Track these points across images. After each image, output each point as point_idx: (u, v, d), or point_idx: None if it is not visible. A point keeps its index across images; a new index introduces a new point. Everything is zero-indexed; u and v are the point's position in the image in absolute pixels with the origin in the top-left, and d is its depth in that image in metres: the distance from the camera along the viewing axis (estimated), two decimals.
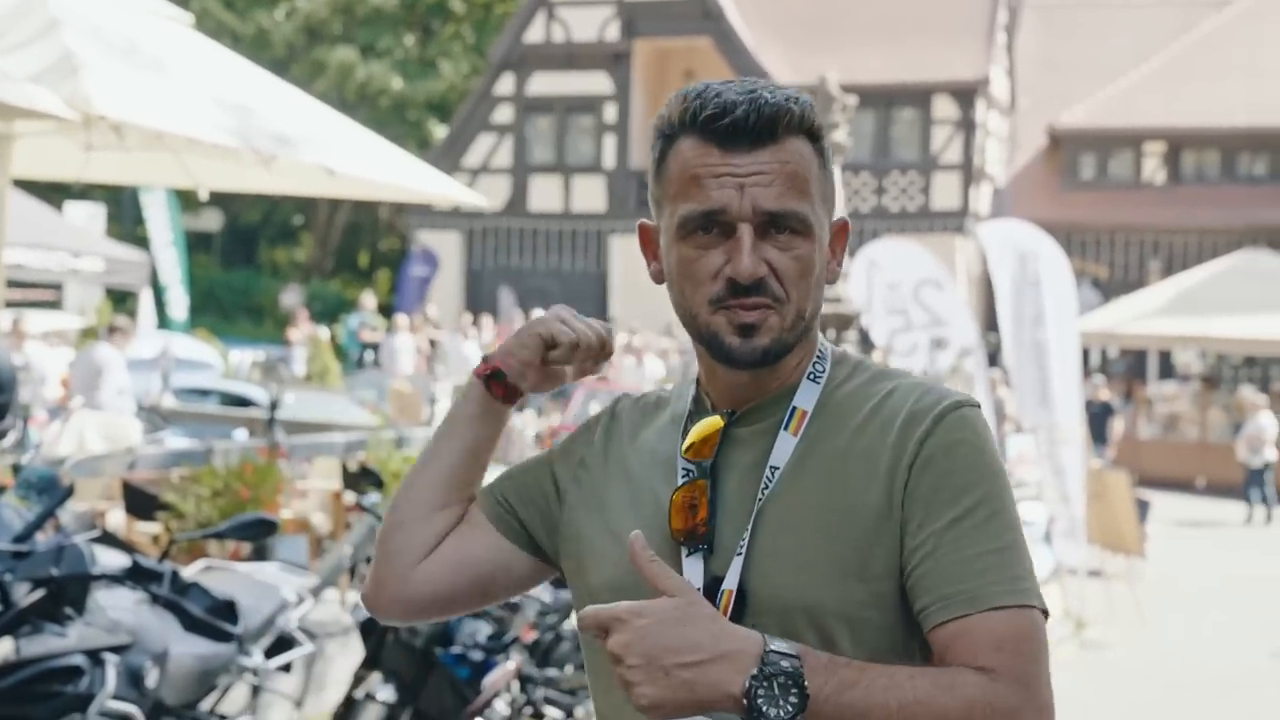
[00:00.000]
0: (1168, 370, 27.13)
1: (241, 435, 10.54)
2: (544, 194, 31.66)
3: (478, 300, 30.48)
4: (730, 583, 1.79)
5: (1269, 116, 29.63)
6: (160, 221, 23.15)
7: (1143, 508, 13.62)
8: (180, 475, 8.24)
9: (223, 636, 4.90)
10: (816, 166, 1.85)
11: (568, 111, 31.53)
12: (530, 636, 6.63)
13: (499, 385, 2.01)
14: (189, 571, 5.34)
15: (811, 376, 1.89)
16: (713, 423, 1.87)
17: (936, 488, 1.77)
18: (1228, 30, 31.61)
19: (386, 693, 5.94)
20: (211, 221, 39.66)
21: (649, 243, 1.97)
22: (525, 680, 6.57)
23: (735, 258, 1.80)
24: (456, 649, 6.06)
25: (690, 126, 1.83)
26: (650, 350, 21.08)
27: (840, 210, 1.94)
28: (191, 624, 4.80)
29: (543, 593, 6.57)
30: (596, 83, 31.27)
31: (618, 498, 1.94)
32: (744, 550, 1.79)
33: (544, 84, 31.52)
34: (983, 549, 1.74)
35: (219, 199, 34.83)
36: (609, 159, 31.25)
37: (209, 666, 4.85)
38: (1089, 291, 26.79)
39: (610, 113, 31.22)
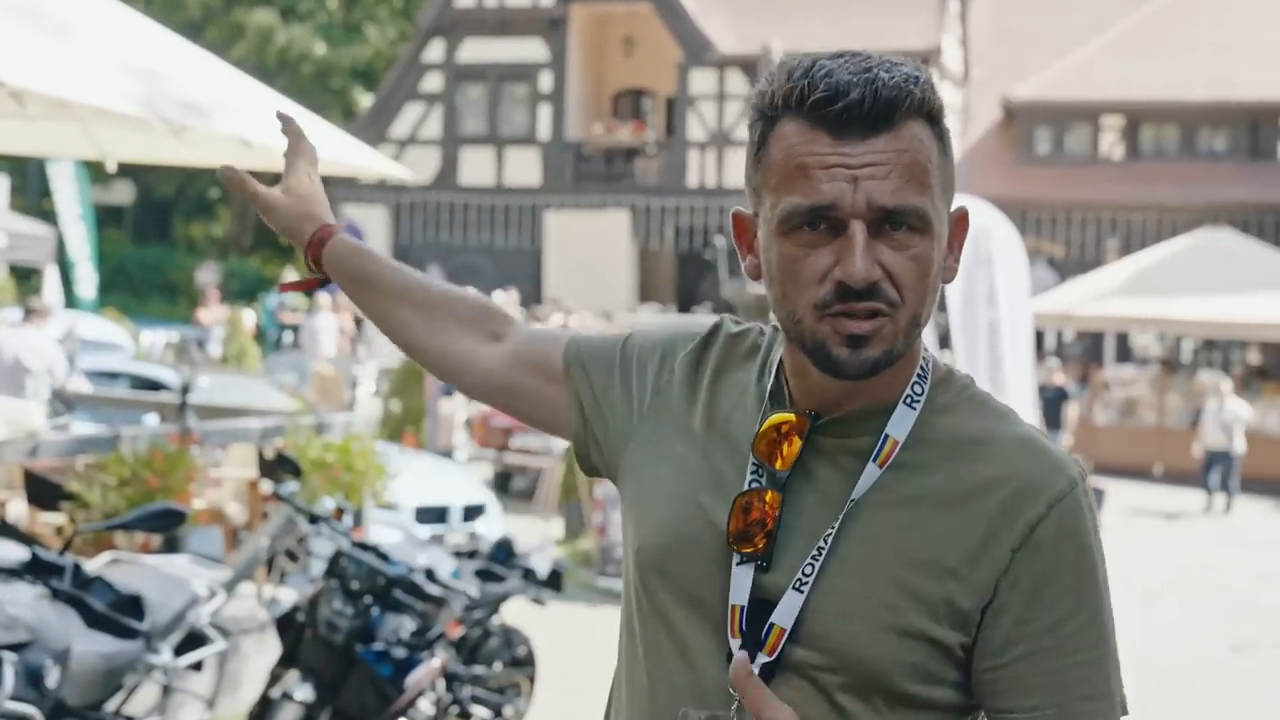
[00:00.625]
0: (1125, 353, 27.38)
1: (152, 421, 10.46)
2: (475, 167, 31.57)
3: None
4: (782, 619, 1.73)
5: (1231, 90, 29.92)
6: (68, 194, 22.92)
7: (1098, 496, 13.76)
8: (85, 463, 8.18)
9: (128, 633, 4.88)
10: (937, 153, 1.74)
11: (500, 80, 31.43)
12: (456, 632, 6.64)
13: (310, 248, 2.20)
14: (93, 565, 5.31)
15: (909, 400, 1.79)
16: (786, 418, 1.79)
17: (1040, 584, 1.71)
18: (1188, 0, 31.88)
19: (304, 691, 5.94)
20: (123, 194, 39.32)
21: (744, 234, 1.84)
22: (451, 678, 6.57)
23: (846, 259, 1.68)
24: (378, 646, 6.06)
25: (796, 109, 1.71)
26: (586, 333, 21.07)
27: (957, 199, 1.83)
28: (95, 620, 4.77)
29: (469, 587, 6.57)
30: (531, 50, 31.19)
31: (684, 461, 1.87)
32: (806, 588, 1.73)
33: (475, 51, 31.41)
34: (1080, 658, 1.73)
35: (131, 170, 34.52)
36: (544, 130, 31.19)
37: (114, 665, 4.82)
38: (1044, 271, 26.97)
39: (546, 81, 31.15)
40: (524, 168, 31.36)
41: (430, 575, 6.32)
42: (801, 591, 1.72)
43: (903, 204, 1.68)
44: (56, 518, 8.21)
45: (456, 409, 18.45)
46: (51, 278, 19.78)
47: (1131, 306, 22.14)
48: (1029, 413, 11.90)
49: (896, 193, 1.68)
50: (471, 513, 12.22)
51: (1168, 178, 30.03)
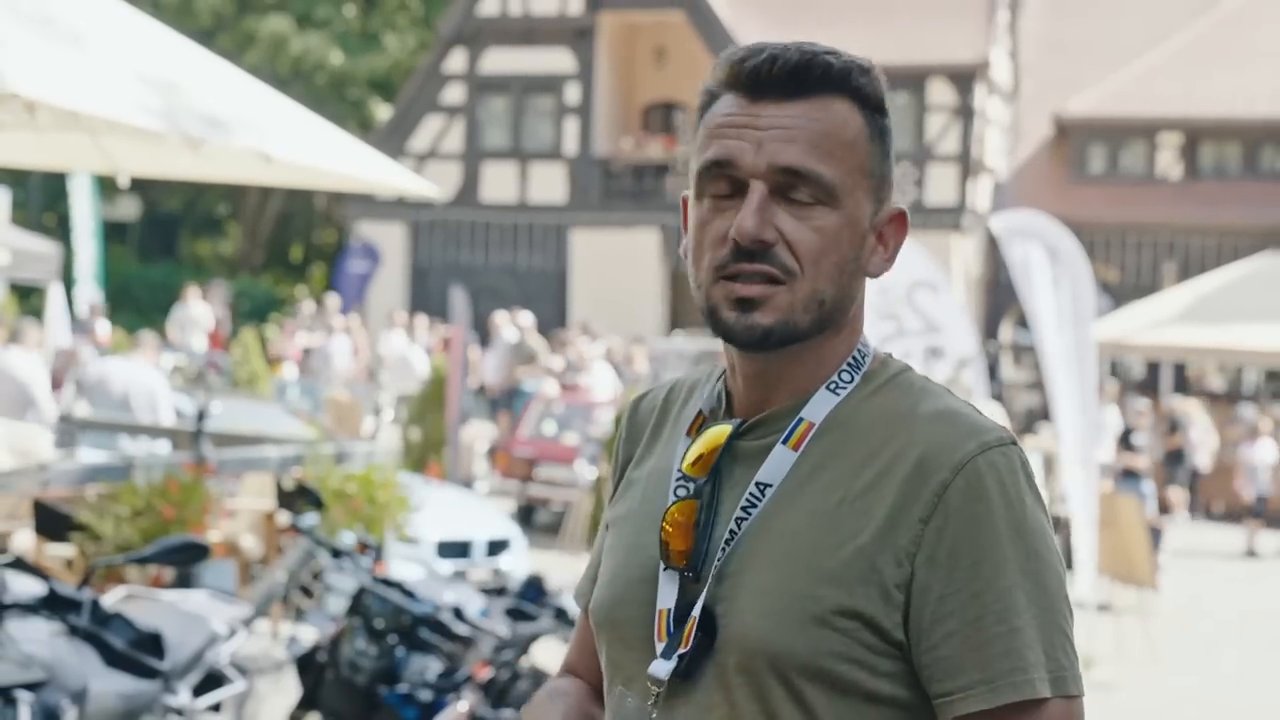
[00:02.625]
0: (1183, 383, 27.30)
1: (164, 449, 10.51)
2: (498, 183, 31.64)
3: (423, 300, 30.44)
4: (695, 610, 1.78)
5: None
6: (84, 210, 23.07)
7: (1155, 535, 13.71)
8: (97, 493, 8.22)
9: (147, 673, 4.90)
10: (863, 137, 1.80)
11: (525, 92, 31.53)
12: (485, 674, 6.64)
13: None
14: (110, 600, 5.34)
15: (831, 386, 1.83)
16: (719, 431, 1.84)
17: (956, 552, 1.72)
18: (1252, 10, 31.82)
19: None
20: (128, 210, 39.50)
21: (687, 215, 1.89)
22: None
23: (740, 216, 1.75)
24: (403, 688, 6.08)
25: (726, 82, 1.82)
26: (606, 358, 21.12)
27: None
28: (113, 659, 4.79)
29: (498, 626, 6.59)
30: (557, 60, 31.28)
31: (630, 510, 1.95)
32: (709, 576, 1.78)
33: (499, 61, 31.51)
34: (1005, 628, 1.71)
35: (136, 185, 34.69)
36: (570, 145, 31.25)
37: (132, 706, 4.85)
38: (1098, 296, 26.92)
39: (572, 94, 31.23)
40: (549, 184, 31.42)
41: (458, 614, 6.34)
42: (706, 580, 1.78)
43: (804, 166, 1.74)
44: (65, 550, 8.25)
45: (478, 438, 18.49)
46: (56, 297, 19.87)
47: (1190, 335, 22.08)
48: (1090, 444, 11.85)
49: (799, 156, 1.75)
50: (495, 547, 12.23)
51: (1229, 198, 29.95)
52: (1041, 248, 11.59)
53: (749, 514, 1.78)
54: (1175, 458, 19.19)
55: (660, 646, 1.80)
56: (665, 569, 1.81)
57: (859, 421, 1.81)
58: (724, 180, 1.78)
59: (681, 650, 1.77)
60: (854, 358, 1.86)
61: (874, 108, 1.81)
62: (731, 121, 1.78)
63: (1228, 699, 11.03)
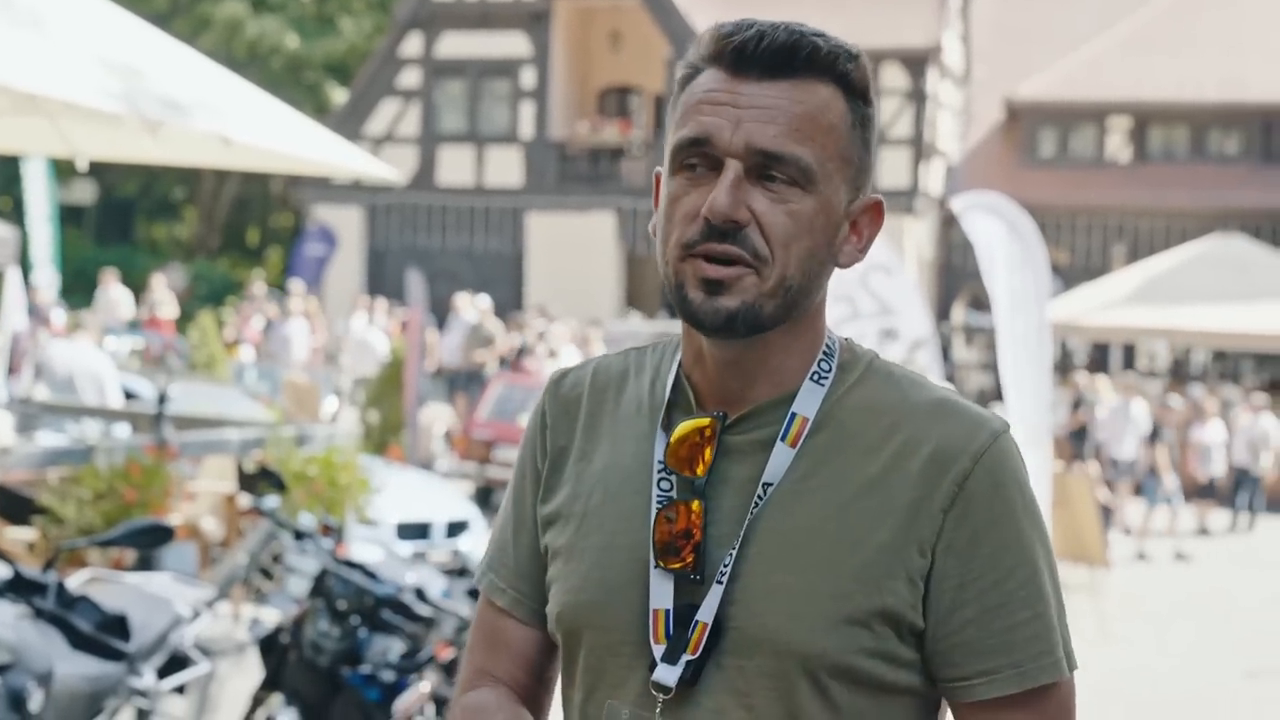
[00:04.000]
0: (1131, 363, 27.46)
1: (125, 432, 10.46)
2: (454, 166, 31.57)
3: (380, 283, 30.37)
4: (705, 615, 1.73)
5: (1244, 91, 30.04)
6: (39, 193, 22.91)
7: (1106, 514, 13.80)
8: (59, 476, 8.18)
9: (112, 655, 4.88)
10: (845, 124, 1.75)
11: (481, 76, 31.45)
12: (447, 655, 6.64)
13: None
14: (74, 583, 5.31)
15: (815, 377, 1.80)
16: (696, 423, 1.78)
17: (977, 541, 1.73)
18: None
19: (289, 716, 5.95)
20: (84, 193, 39.23)
21: (659, 191, 1.84)
22: (441, 702, 6.58)
23: (713, 193, 1.70)
24: (366, 669, 6.06)
25: (709, 57, 1.77)
26: (566, 341, 21.12)
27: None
28: (79, 641, 4.77)
29: (460, 607, 6.58)
30: (513, 44, 31.20)
31: (590, 507, 1.86)
32: (724, 579, 1.73)
33: (455, 45, 31.41)
34: (1028, 614, 1.74)
35: (93, 168, 34.46)
36: (526, 129, 31.20)
37: (97, 688, 4.83)
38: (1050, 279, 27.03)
39: (528, 78, 31.17)
40: (505, 168, 31.37)
41: (420, 595, 6.33)
42: (721, 583, 1.73)
43: (782, 149, 1.70)
44: (26, 533, 8.21)
45: (436, 420, 18.46)
46: (13, 280, 19.72)
47: (1139, 316, 22.21)
48: (1043, 427, 11.92)
49: (777, 138, 1.70)
50: (455, 529, 12.22)
51: (1177, 181, 30.14)
52: (1005, 226, 11.63)
53: (756, 514, 1.74)
54: (1080, 435, 19.39)
55: (659, 650, 1.75)
56: (656, 568, 1.77)
57: (850, 414, 1.79)
58: (699, 157, 1.73)
59: (690, 656, 1.73)
60: (827, 346, 1.83)
61: (858, 95, 1.78)
62: (711, 98, 1.73)
63: (1178, 675, 11.12)
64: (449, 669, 6.71)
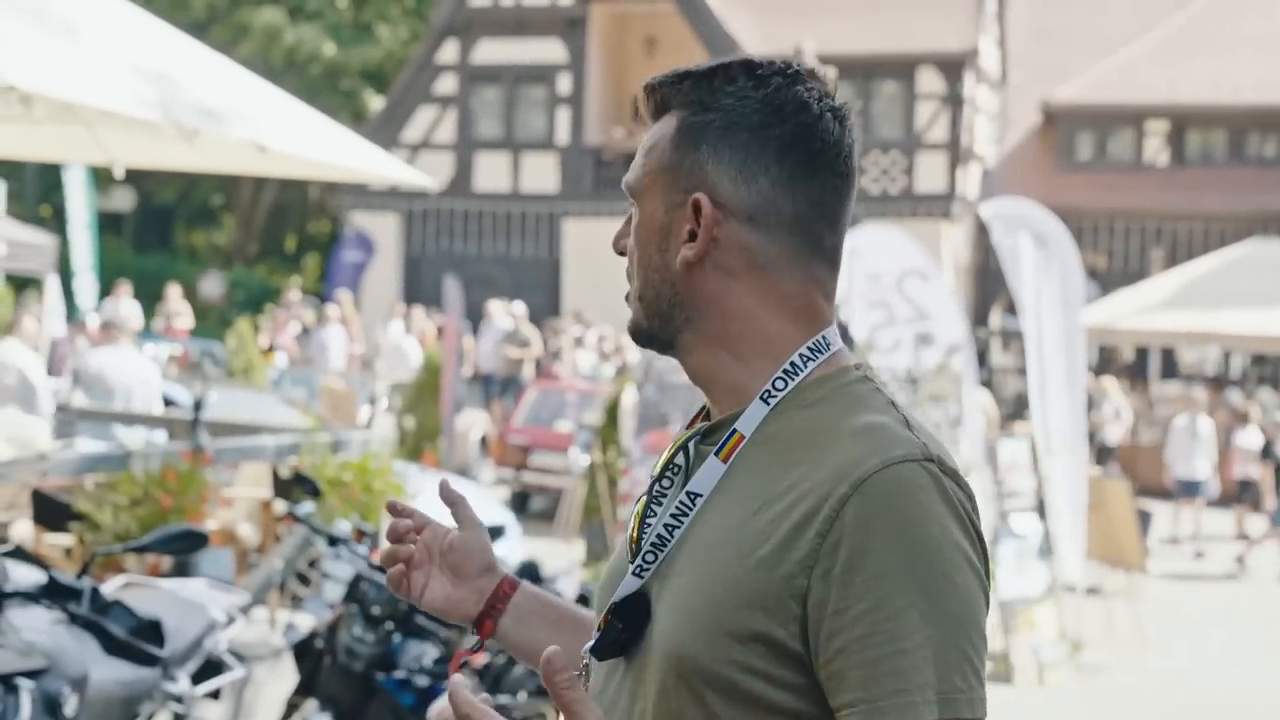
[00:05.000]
0: (1171, 369, 27.33)
1: (161, 438, 10.51)
2: (490, 173, 31.62)
3: (417, 289, 30.43)
4: (613, 598, 1.84)
5: None
6: (79, 201, 23.07)
7: (1144, 519, 13.74)
8: (95, 482, 8.23)
9: (147, 660, 4.91)
10: (665, 140, 1.89)
11: (517, 82, 31.50)
12: (481, 660, 6.66)
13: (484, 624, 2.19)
14: (109, 588, 5.34)
15: (765, 396, 1.83)
16: (685, 435, 1.91)
17: (850, 569, 1.68)
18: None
19: None
20: (123, 201, 39.46)
21: None
22: None
23: None
24: (400, 674, 6.08)
25: None
26: (592, 347, 21.12)
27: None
28: (113, 646, 4.80)
29: None
30: (549, 51, 31.25)
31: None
32: (644, 573, 1.82)
33: (491, 51, 31.47)
34: (894, 648, 1.66)
35: (131, 176, 34.64)
36: (562, 135, 31.24)
37: (132, 693, 4.86)
38: (1085, 282, 26.92)
39: (564, 84, 31.21)
40: (541, 173, 31.40)
41: None
42: (639, 576, 1.82)
43: (626, 180, 1.92)
44: (64, 539, 8.26)
45: (473, 426, 18.49)
46: (52, 287, 19.86)
47: (1178, 320, 22.11)
48: (1079, 431, 11.88)
49: (630, 171, 1.92)
50: (491, 534, 12.17)
51: (1215, 185, 29.97)
52: (1029, 235, 11.60)
53: (680, 521, 1.82)
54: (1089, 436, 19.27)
55: (596, 635, 1.85)
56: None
57: (787, 434, 1.81)
58: None
59: (596, 634, 1.84)
60: (790, 365, 1.84)
61: (695, 107, 1.88)
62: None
63: (1214, 680, 11.06)
64: (483, 674, 6.72)
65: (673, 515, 1.82)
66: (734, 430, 1.82)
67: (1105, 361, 27.16)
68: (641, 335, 1.92)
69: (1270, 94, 29.92)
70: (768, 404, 1.82)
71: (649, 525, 1.85)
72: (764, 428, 1.81)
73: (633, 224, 1.91)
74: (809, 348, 1.85)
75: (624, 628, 1.81)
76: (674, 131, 1.87)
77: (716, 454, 1.82)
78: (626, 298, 1.93)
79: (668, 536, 1.82)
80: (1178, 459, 17.93)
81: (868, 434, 1.75)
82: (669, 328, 1.88)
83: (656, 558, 1.82)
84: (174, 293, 24.40)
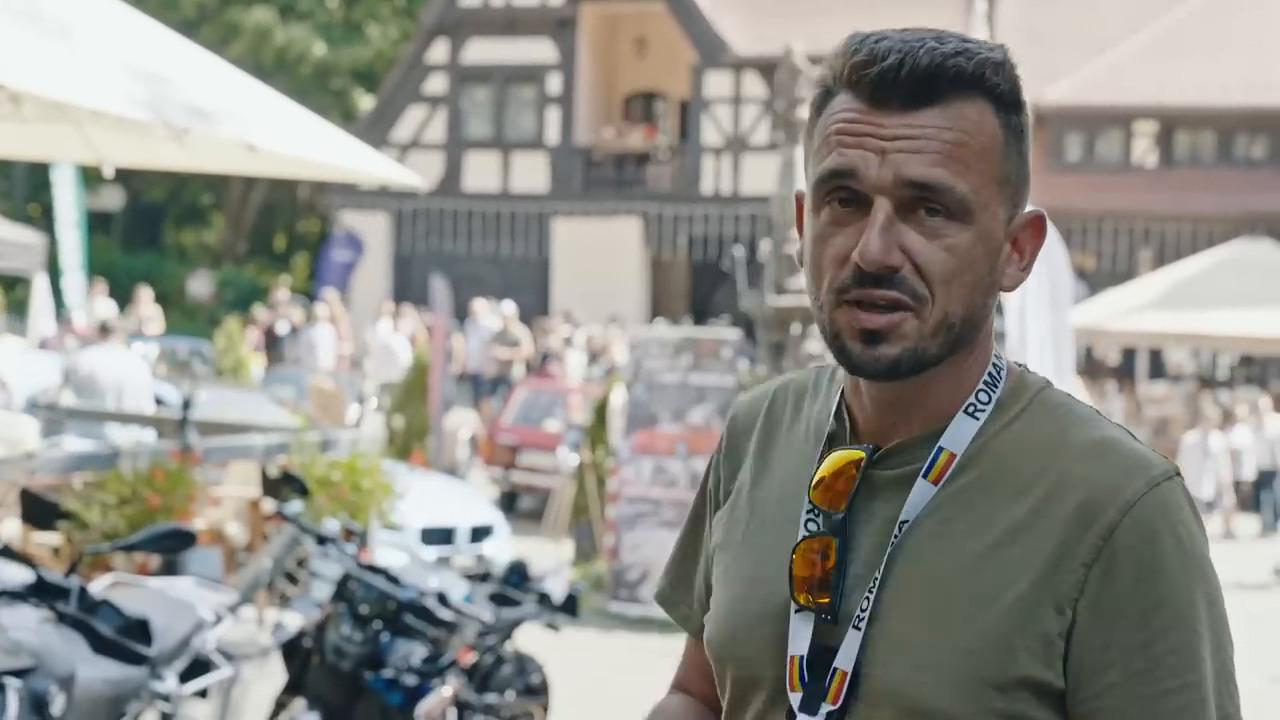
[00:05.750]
0: (1158, 369, 27.35)
1: (149, 437, 10.50)
2: (480, 172, 31.61)
3: (406, 289, 30.42)
4: (844, 662, 1.65)
5: (1270, 95, 29.90)
6: (67, 200, 23.04)
7: None
8: (83, 481, 8.22)
9: (134, 659, 4.90)
10: (999, 141, 1.64)
11: (507, 82, 31.49)
12: (469, 659, 6.66)
13: None
14: (97, 587, 5.34)
15: (970, 410, 1.68)
16: (847, 456, 1.70)
17: (1123, 599, 1.58)
18: (1227, 1, 31.88)
19: (311, 719, 5.97)
20: (112, 200, 39.39)
21: (801, 216, 1.74)
22: (463, 707, 6.60)
23: (864, 237, 1.59)
24: (388, 673, 6.09)
25: (844, 80, 1.65)
26: (581, 346, 21.12)
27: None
28: (101, 645, 4.79)
29: (482, 611, 6.60)
30: (539, 51, 31.24)
31: (746, 535, 1.82)
32: (863, 624, 1.64)
33: (481, 51, 31.46)
34: (1178, 682, 1.59)
35: (120, 175, 34.61)
36: (552, 134, 31.23)
37: (119, 691, 4.85)
38: (1074, 283, 26.94)
39: (554, 84, 31.20)
40: (531, 173, 31.40)
41: (442, 599, 6.35)
42: (859, 629, 1.64)
43: (935, 180, 1.59)
44: (52, 538, 8.25)
45: (461, 425, 18.49)
46: (41, 286, 19.83)
47: (1165, 321, 22.12)
48: None
49: (929, 169, 1.59)
50: (479, 534, 12.24)
51: (1204, 185, 30.01)
52: None
53: (892, 557, 1.65)
54: None
55: (796, 698, 1.68)
56: (798, 610, 1.69)
57: (1004, 452, 1.67)
58: (844, 190, 1.62)
59: (830, 707, 1.65)
60: (990, 374, 1.71)
61: (1009, 105, 1.66)
62: (852, 129, 1.62)
63: None
64: (470, 673, 6.73)
65: (875, 548, 1.67)
66: (940, 448, 1.66)
67: (1093, 363, 27.19)
68: (913, 364, 1.62)
69: (1258, 95, 29.97)
70: (975, 419, 1.68)
71: (843, 563, 1.67)
72: (973, 444, 1.67)
73: (954, 239, 1.61)
74: (998, 356, 1.73)
75: (848, 693, 1.64)
76: (1005, 137, 1.65)
77: (925, 476, 1.66)
78: (874, 333, 1.62)
79: (880, 574, 1.64)
80: (1188, 479, 17.53)
81: (1110, 452, 1.64)
82: (949, 353, 1.65)
83: (869, 602, 1.64)
84: (144, 295, 24.18)
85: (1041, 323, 11.47)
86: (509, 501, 16.88)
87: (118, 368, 11.38)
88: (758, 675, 1.73)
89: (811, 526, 1.71)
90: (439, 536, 11.91)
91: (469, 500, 13.15)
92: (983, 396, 1.69)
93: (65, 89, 7.42)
